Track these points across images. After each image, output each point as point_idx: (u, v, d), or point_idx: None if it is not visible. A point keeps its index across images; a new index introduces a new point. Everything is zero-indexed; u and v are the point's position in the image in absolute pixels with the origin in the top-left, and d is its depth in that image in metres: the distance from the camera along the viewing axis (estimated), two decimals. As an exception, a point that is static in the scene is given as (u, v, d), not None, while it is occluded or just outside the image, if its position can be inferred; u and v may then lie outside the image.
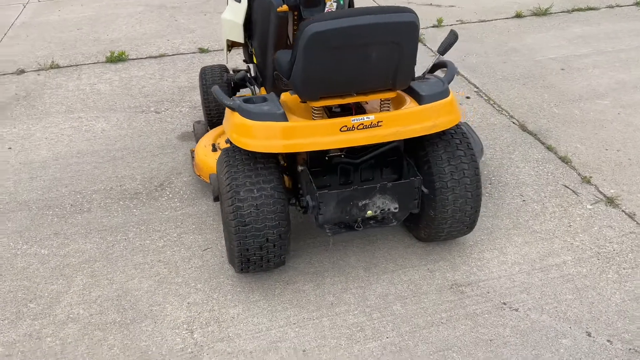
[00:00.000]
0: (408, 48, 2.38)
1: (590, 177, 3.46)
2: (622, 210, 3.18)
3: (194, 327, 2.55)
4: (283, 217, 2.52)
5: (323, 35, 2.26)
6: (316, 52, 2.30)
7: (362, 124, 2.47)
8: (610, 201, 3.25)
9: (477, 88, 4.59)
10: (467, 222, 2.75)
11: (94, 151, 3.90)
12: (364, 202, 2.54)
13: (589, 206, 3.23)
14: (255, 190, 2.49)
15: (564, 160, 3.63)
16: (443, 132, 2.72)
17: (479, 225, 3.07)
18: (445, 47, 2.90)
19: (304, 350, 2.43)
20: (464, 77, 4.77)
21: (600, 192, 3.33)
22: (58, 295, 2.74)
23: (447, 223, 2.72)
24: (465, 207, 2.68)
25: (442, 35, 5.57)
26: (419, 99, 2.57)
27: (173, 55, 5.39)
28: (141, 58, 5.35)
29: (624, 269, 2.80)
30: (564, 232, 3.04)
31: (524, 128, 4.00)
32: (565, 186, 3.40)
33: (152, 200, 3.38)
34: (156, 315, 2.62)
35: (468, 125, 3.64)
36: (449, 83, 2.70)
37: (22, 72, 5.12)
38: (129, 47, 5.56)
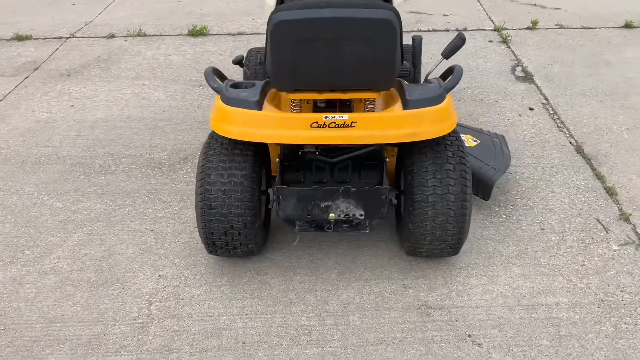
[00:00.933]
0: (384, 47, 2.23)
1: (631, 214, 3.06)
2: (654, 258, 2.79)
3: (154, 299, 2.62)
4: (250, 207, 2.49)
5: (289, 25, 2.18)
6: (282, 41, 2.23)
7: (335, 122, 2.37)
8: (645, 245, 2.86)
9: (546, 100, 4.22)
10: (450, 242, 2.56)
11: (141, 118, 4.10)
12: (326, 203, 2.45)
13: (615, 246, 2.87)
14: (225, 176, 2.49)
15: (609, 191, 3.24)
16: (436, 142, 2.54)
17: (479, 248, 2.85)
18: (449, 51, 2.69)
19: (243, 343, 2.41)
20: (537, 87, 4.40)
21: (637, 234, 2.94)
22: (52, 247, 2.94)
23: (426, 239, 2.55)
24: (446, 225, 2.49)
25: (533, 38, 5.19)
26: (405, 104, 2.41)
27: (250, 34, 5.50)
28: (220, 34, 5.51)
29: (625, 323, 2.46)
30: (572, 271, 2.73)
31: (579, 150, 3.62)
32: (597, 220, 3.04)
33: (170, 172, 3.50)
34: (126, 281, 2.72)
35: (503, 138, 3.36)
36: (449, 89, 2.50)
37: (112, 36, 5.49)
38: (214, 23, 5.75)
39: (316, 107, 2.58)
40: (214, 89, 2.53)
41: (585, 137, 3.75)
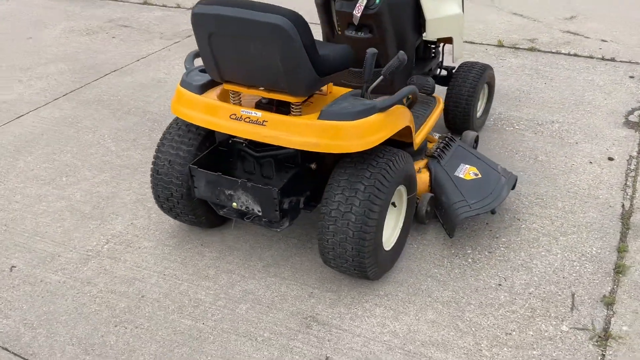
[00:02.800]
0: (281, 53, 2.25)
1: (620, 301, 2.56)
2: (603, 354, 2.33)
3: (112, 241, 3.04)
4: (187, 180, 2.73)
5: (200, 18, 2.34)
6: (199, 33, 2.39)
7: (249, 117, 2.47)
8: (605, 339, 2.40)
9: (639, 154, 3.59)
10: (351, 263, 2.48)
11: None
12: (229, 192, 2.57)
13: (565, 327, 2.46)
14: (174, 148, 2.76)
15: (618, 269, 2.73)
16: (362, 159, 2.48)
17: (412, 282, 2.69)
18: (387, 69, 2.54)
19: (142, 296, 2.69)
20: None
21: (608, 324, 2.47)
22: (81, 180, 3.54)
23: (329, 254, 2.52)
24: (345, 244, 2.43)
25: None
26: (320, 114, 2.40)
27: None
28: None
29: (497, 407, 2.16)
30: (489, 336, 2.43)
31: (626, 216, 3.07)
32: (572, 295, 2.61)
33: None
34: (106, 221, 3.19)
35: (514, 179, 3.02)
36: (383, 109, 2.41)
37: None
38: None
39: (258, 103, 2.67)
40: (187, 70, 2.80)
41: (649, 204, 3.15)
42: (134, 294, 2.70)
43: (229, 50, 2.38)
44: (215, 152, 2.73)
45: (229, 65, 2.44)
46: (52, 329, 2.53)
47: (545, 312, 2.52)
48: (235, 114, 2.49)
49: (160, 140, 2.82)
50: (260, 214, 2.54)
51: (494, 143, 3.74)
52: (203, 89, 2.63)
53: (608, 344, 2.37)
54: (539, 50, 5.03)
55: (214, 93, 2.63)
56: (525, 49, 5.08)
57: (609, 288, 2.63)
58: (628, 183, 3.32)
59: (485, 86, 3.82)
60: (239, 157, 2.71)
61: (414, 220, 2.91)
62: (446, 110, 3.68)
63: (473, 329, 2.46)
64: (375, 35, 3.05)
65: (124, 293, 2.70)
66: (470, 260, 2.82)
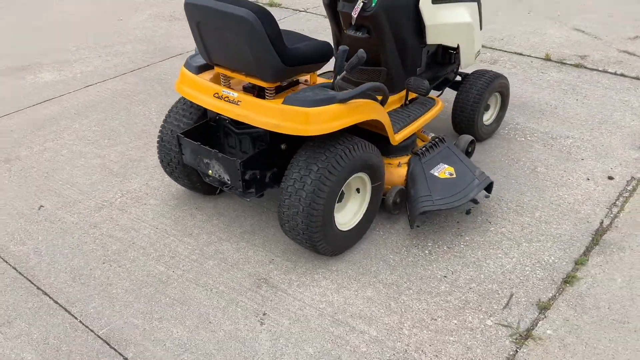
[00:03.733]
0: (248, 42, 2.57)
1: (556, 307, 2.66)
2: (516, 351, 2.46)
3: (126, 195, 3.51)
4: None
5: (189, 7, 2.71)
6: (190, 21, 2.77)
7: (228, 97, 2.82)
8: (525, 338, 2.52)
9: (644, 176, 3.56)
10: (302, 236, 2.76)
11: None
12: (206, 160, 2.93)
13: (489, 322, 2.60)
14: (176, 120, 3.18)
15: (567, 279, 2.80)
16: (323, 143, 2.75)
17: (365, 263, 2.93)
18: (347, 66, 2.76)
19: (133, 243, 3.12)
20: (653, 161, 3.70)
21: (533, 325, 2.58)
22: (120, 143, 4.07)
23: (285, 225, 2.81)
24: (296, 218, 2.72)
25: None
26: (286, 99, 2.70)
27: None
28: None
29: (396, 378, 2.37)
30: (414, 318, 2.62)
31: (598, 232, 3.10)
32: (511, 294, 2.73)
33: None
34: (127, 178, 3.67)
35: (488, 184, 3.15)
36: (342, 100, 2.67)
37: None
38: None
39: (245, 86, 2.99)
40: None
41: (630, 226, 3.15)
42: (127, 240, 3.14)
43: (213, 37, 2.74)
44: (205, 126, 3.10)
45: (215, 50, 2.80)
46: (54, 259, 3.02)
47: (477, 306, 2.67)
48: (217, 93, 2.85)
49: (168, 112, 3.24)
50: (229, 182, 2.89)
51: (498, 150, 3.84)
52: (200, 70, 3.01)
53: (526, 343, 2.49)
54: (585, 67, 4.97)
55: (208, 75, 3.00)
56: (571, 64, 5.04)
57: (550, 295, 2.72)
58: (617, 202, 3.32)
59: (497, 95, 3.92)
60: (224, 132, 3.07)
61: (384, 209, 3.13)
62: (453, 114, 3.83)
63: (403, 309, 2.66)
64: (372, 36, 3.28)
65: (119, 238, 3.15)
66: (427, 252, 3.00)
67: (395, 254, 2.99)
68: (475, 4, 3.63)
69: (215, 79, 2.97)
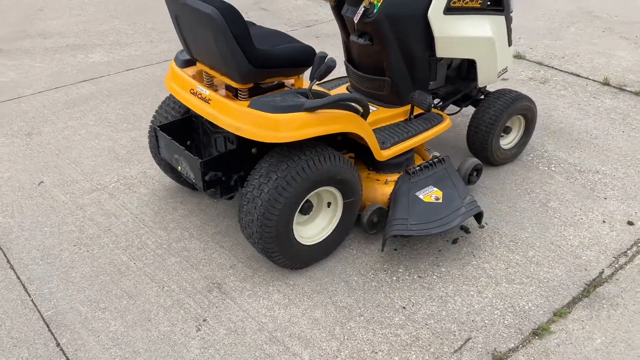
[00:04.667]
0: (214, 40, 2.49)
1: (509, 359, 2.40)
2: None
3: (121, 181, 3.55)
4: None
5: (169, 2, 2.67)
6: (170, 15, 2.73)
7: (201, 94, 2.77)
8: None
9: (672, 226, 3.16)
10: (258, 244, 2.66)
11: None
12: (176, 156, 2.88)
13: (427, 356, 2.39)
14: (166, 112, 3.18)
15: (539, 331, 2.53)
16: (287, 152, 2.64)
17: (326, 280, 2.79)
18: (316, 74, 2.60)
19: (109, 229, 3.16)
20: (689, 210, 3.28)
21: (482, 376, 2.34)
22: (142, 122, 4.14)
23: (244, 231, 2.73)
24: (252, 226, 2.63)
25: None
26: (252, 102, 2.61)
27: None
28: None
29: None
30: (352, 348, 2.45)
31: (593, 283, 2.78)
32: (468, 339, 2.50)
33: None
34: (129, 164, 3.72)
35: (478, 214, 2.91)
36: (309, 109, 2.54)
37: None
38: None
39: (227, 85, 2.91)
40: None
41: (633, 281, 2.80)
42: (105, 225, 3.17)
43: (190, 33, 2.69)
44: (188, 121, 3.06)
45: (193, 46, 2.75)
46: (32, 235, 3.11)
47: (426, 345, 2.46)
48: (193, 89, 2.80)
49: (161, 103, 3.24)
50: (194, 180, 2.83)
51: (512, 178, 3.54)
52: (186, 64, 2.98)
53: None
54: (645, 96, 4.50)
55: (192, 70, 2.96)
56: (631, 91, 4.57)
57: (511, 345, 2.46)
58: (628, 252, 2.96)
59: (520, 118, 3.61)
60: (203, 130, 3.02)
61: (361, 228, 2.96)
62: (468, 134, 3.58)
63: (345, 337, 2.50)
64: (375, 44, 3.11)
65: (98, 223, 3.19)
66: (394, 278, 2.81)
67: (360, 276, 2.82)
68: (502, 17, 3.35)
69: (199, 75, 2.93)
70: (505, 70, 3.54)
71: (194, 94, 2.79)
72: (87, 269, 2.88)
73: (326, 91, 2.86)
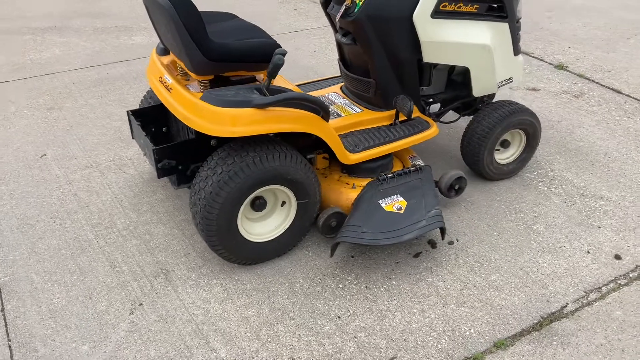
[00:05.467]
0: (171, 31, 2.50)
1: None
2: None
3: (115, 161, 3.67)
4: None
5: None
6: (145, 6, 2.78)
7: (165, 83, 2.81)
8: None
9: (665, 266, 2.87)
10: (205, 234, 2.65)
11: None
12: (141, 141, 2.93)
13: (346, 380, 2.31)
14: (151, 97, 3.25)
15: (473, 359, 2.39)
16: (239, 147, 2.63)
17: (271, 280, 2.77)
18: (269, 70, 2.54)
19: (87, 205, 3.28)
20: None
21: None
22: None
23: (193, 221, 2.74)
24: (197, 216, 2.64)
25: None
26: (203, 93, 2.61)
27: (525, 57, 5.08)
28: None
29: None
30: (272, 351, 2.41)
31: (551, 317, 2.58)
32: (393, 358, 2.40)
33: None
34: (129, 145, 3.84)
35: (440, 230, 2.78)
36: (260, 106, 2.50)
37: None
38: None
39: None
40: None
41: (597, 321, 2.57)
42: (84, 202, 3.30)
43: (157, 22, 2.73)
44: (160, 108, 3.11)
45: (162, 36, 2.79)
46: (18, 204, 3.28)
47: (347, 358, 2.38)
48: (161, 77, 2.85)
49: (148, 90, 3.32)
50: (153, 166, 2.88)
51: (504, 196, 3.34)
52: (164, 52, 3.02)
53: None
54: (687, 120, 4.10)
55: (168, 59, 3.00)
56: (672, 114, 4.18)
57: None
58: (603, 288, 2.72)
59: (521, 133, 3.39)
60: (175, 118, 3.06)
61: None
62: (461, 145, 3.41)
63: (269, 339, 2.47)
64: (358, 44, 3.03)
65: (80, 199, 3.32)
66: (341, 285, 2.73)
67: (307, 279, 2.77)
68: (505, 25, 3.15)
69: (173, 64, 2.97)
70: (508, 80, 3.33)
71: (161, 81, 2.83)
72: (53, 241, 3.00)
73: (296, 89, 2.81)
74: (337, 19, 2.98)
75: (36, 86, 4.63)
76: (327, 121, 2.77)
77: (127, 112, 3.08)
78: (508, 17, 3.14)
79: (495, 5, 3.10)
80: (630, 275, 2.79)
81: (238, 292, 2.70)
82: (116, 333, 2.50)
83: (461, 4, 3.00)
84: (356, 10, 2.90)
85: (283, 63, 2.49)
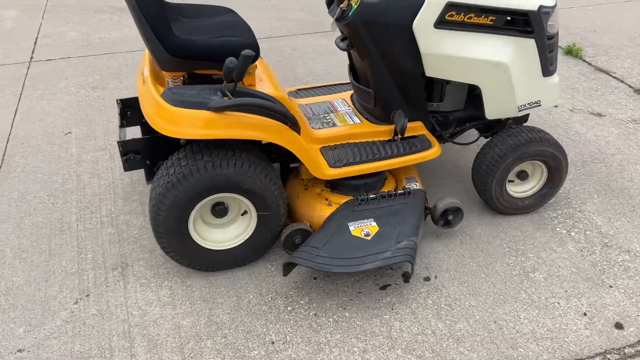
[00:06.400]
0: (138, 25, 2.44)
1: None
2: None
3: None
4: None
5: None
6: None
7: (143, 76, 2.76)
8: None
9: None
10: (152, 229, 2.58)
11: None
12: (122, 133, 2.91)
13: None
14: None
15: None
16: (198, 149, 2.53)
17: (221, 290, 2.66)
18: (236, 73, 2.38)
19: (84, 188, 3.35)
20: None
21: None
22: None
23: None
24: (149, 214, 2.58)
25: None
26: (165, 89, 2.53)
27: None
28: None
29: None
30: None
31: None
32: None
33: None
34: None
35: (400, 259, 2.51)
36: (216, 109, 2.38)
37: None
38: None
39: None
40: None
41: None
42: (83, 183, 3.35)
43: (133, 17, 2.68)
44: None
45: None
46: (25, 178, 3.41)
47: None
48: (142, 72, 2.80)
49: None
50: (127, 160, 2.84)
51: (511, 234, 2.97)
52: None
53: None
54: None
55: None
56: None
57: None
58: (585, 360, 2.32)
59: (541, 166, 2.99)
60: None
61: (284, 246, 2.74)
62: (472, 170, 3.07)
63: (191, 355, 2.36)
64: (354, 50, 2.81)
65: (81, 180, 3.37)
66: (289, 308, 2.56)
67: (257, 296, 2.62)
68: (530, 41, 2.77)
69: None
70: (534, 104, 2.94)
71: (142, 74, 2.78)
72: (39, 219, 3.09)
73: (278, 95, 2.62)
74: (332, 21, 2.77)
75: (92, 64, 4.81)
76: (298, 132, 2.58)
77: (116, 100, 3.07)
78: (534, 32, 2.75)
79: (518, 19, 2.72)
80: (626, 351, 2.35)
81: (183, 299, 2.61)
82: (53, 321, 2.50)
83: (472, 15, 2.67)
84: (350, 13, 2.67)
85: (235, 66, 2.33)
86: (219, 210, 2.63)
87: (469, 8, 2.65)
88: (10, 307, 2.57)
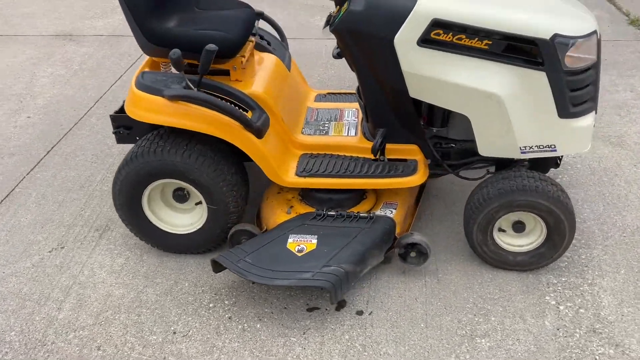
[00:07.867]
0: (122, 9, 2.59)
1: None
2: None
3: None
4: None
5: None
6: None
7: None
8: None
9: None
10: (113, 199, 2.77)
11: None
12: None
13: None
14: None
15: None
16: (157, 133, 2.66)
17: (187, 285, 2.77)
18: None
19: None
20: None
21: None
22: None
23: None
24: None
25: None
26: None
27: None
28: None
29: None
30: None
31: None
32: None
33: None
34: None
35: (321, 283, 2.38)
36: (170, 97, 2.48)
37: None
38: None
39: None
40: None
41: None
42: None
43: None
44: None
45: None
46: (86, 137, 3.84)
47: (134, 373, 2.29)
48: (146, 59, 2.99)
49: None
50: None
51: (483, 289, 2.61)
52: None
53: None
54: None
55: None
56: None
57: None
58: None
59: (539, 220, 2.56)
60: None
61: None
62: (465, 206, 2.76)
63: (101, 322, 2.49)
64: (344, 58, 2.69)
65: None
66: (211, 305, 2.57)
67: (192, 286, 2.67)
68: (541, 74, 2.39)
69: None
70: (547, 148, 2.53)
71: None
72: (72, 173, 3.47)
73: (260, 95, 2.63)
74: (322, 27, 2.67)
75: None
76: (256, 135, 2.53)
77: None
78: (545, 64, 2.36)
79: (523, 46, 2.36)
80: None
81: (129, 271, 2.76)
82: (24, 262, 2.83)
83: (463, 36, 2.37)
84: (336, 20, 2.55)
85: (201, 60, 2.38)
86: (178, 196, 2.72)
87: (460, 28, 2.36)
88: (3, 242, 2.95)
